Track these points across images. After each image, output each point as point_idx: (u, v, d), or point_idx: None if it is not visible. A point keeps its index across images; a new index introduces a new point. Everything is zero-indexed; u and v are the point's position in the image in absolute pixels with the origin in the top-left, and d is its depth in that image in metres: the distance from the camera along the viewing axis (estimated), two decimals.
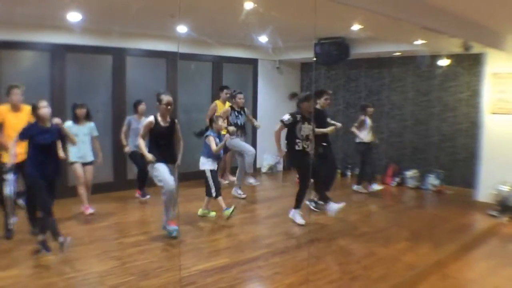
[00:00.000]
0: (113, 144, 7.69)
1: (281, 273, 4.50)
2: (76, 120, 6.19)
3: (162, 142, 5.38)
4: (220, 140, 6.31)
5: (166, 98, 5.27)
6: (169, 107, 5.28)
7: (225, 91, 8.21)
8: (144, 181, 7.15)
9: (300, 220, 6.07)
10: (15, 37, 6.54)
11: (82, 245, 5.08)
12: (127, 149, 7.12)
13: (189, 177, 8.08)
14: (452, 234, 5.99)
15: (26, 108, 5.31)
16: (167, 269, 4.48)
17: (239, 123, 7.53)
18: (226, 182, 8.49)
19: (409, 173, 8.88)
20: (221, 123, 6.41)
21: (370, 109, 8.25)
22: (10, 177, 5.17)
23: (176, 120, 5.49)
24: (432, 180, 8.55)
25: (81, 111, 6.22)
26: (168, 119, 5.40)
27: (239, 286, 4.24)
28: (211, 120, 6.43)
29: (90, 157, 6.29)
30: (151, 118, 5.32)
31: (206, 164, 6.19)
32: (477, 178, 7.56)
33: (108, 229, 5.83)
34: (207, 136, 6.23)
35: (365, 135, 8.14)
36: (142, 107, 7.15)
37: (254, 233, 5.92)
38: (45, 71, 7.09)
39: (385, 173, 9.19)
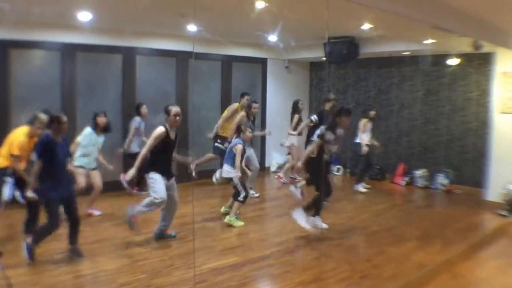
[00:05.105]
0: (123, 143, 7.70)
1: (292, 272, 4.54)
2: (96, 129, 6.14)
3: (168, 154, 5.24)
4: (245, 150, 6.25)
5: (174, 109, 5.11)
6: (177, 117, 5.13)
7: (246, 97, 7.82)
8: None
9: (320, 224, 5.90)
10: (26, 36, 6.60)
11: (92, 243, 5.13)
12: (121, 150, 7.33)
13: (200, 176, 8.09)
14: (462, 233, 5.99)
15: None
16: (177, 267, 4.52)
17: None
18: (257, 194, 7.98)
19: (419, 173, 8.86)
20: (249, 133, 6.28)
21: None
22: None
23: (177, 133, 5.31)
24: (442, 180, 8.52)
25: (102, 120, 6.16)
26: (174, 131, 5.23)
27: (250, 284, 4.27)
28: (239, 128, 6.36)
29: (95, 164, 6.23)
30: (162, 129, 5.04)
31: (232, 172, 6.03)
32: (487, 177, 7.53)
33: (118, 227, 5.85)
34: (236, 144, 6.09)
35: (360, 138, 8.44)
36: (144, 109, 7.27)
37: (264, 231, 5.95)
38: (55, 70, 7.15)
39: (395, 173, 9.18)
